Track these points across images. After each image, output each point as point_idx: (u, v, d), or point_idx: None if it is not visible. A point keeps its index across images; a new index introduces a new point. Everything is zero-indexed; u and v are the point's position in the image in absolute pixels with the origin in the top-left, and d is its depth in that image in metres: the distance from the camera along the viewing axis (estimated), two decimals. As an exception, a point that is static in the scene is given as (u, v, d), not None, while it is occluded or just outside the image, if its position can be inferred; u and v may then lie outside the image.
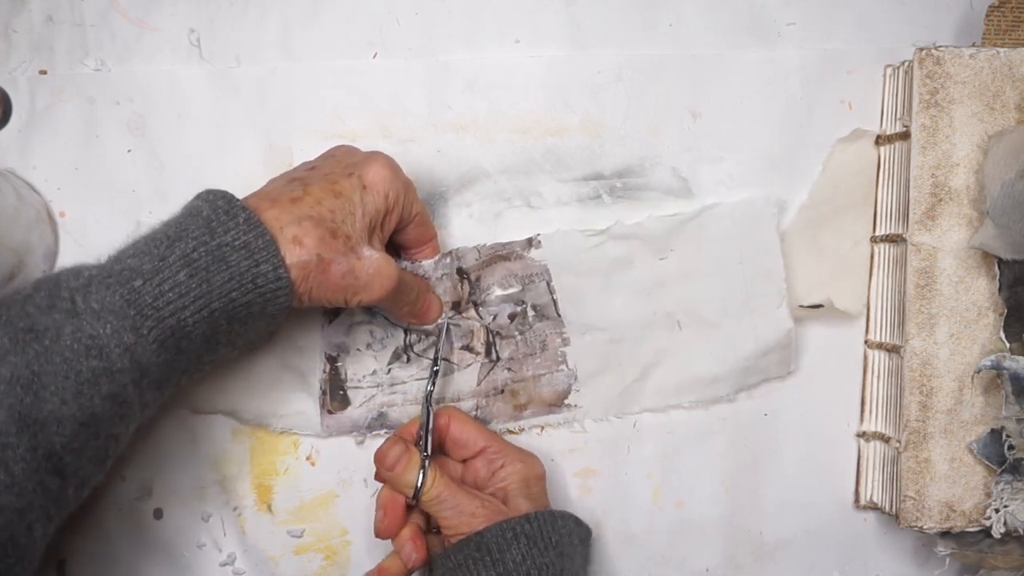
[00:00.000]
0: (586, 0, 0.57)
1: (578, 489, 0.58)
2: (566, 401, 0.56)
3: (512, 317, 0.55)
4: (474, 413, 0.56)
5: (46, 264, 0.56)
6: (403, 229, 0.52)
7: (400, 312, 0.53)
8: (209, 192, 0.46)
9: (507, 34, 0.57)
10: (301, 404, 0.55)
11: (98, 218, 0.56)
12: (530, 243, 0.55)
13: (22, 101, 0.56)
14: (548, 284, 0.55)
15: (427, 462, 0.51)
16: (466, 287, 0.54)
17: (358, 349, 0.55)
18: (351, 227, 0.47)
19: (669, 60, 0.57)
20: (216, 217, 0.45)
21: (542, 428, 0.58)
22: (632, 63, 0.57)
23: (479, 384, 0.56)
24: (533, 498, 0.52)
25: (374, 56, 0.57)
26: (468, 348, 0.56)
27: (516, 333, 0.56)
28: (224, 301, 0.44)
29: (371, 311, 0.55)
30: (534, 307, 0.56)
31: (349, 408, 0.55)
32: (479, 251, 0.55)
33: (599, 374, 0.56)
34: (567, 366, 0.56)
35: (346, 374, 0.55)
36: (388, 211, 0.49)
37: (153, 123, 0.56)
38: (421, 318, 0.54)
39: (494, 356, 0.56)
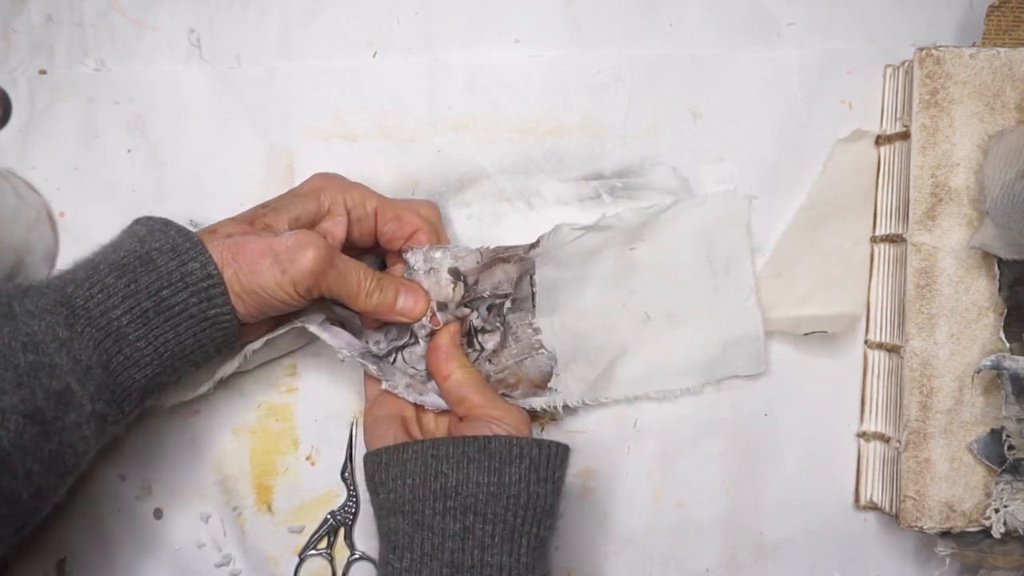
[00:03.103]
0: (586, 0, 0.57)
1: (578, 489, 0.57)
2: (549, 384, 0.56)
3: (490, 309, 0.54)
4: None
5: (46, 264, 0.56)
6: (375, 229, 0.52)
7: (360, 304, 0.50)
8: (147, 217, 0.48)
9: (507, 34, 0.57)
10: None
11: (98, 218, 0.56)
12: (532, 246, 0.55)
13: (22, 101, 0.56)
14: (531, 278, 0.55)
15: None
16: (460, 290, 0.53)
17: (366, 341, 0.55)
18: (272, 219, 0.49)
19: (669, 60, 0.57)
20: (148, 233, 0.46)
21: (542, 427, 0.57)
22: (632, 63, 0.57)
23: None
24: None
25: (374, 56, 0.57)
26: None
27: (496, 324, 0.55)
28: (155, 300, 0.45)
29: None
30: (513, 300, 0.55)
31: (348, 332, 0.53)
32: (481, 254, 0.54)
33: (573, 361, 0.56)
34: (546, 350, 0.55)
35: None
36: (322, 211, 0.50)
37: (153, 123, 0.56)
38: (402, 312, 0.52)
39: (478, 347, 0.55)
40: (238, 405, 0.57)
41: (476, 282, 0.54)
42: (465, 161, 0.57)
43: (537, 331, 0.55)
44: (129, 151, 0.56)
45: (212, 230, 0.48)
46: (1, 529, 0.42)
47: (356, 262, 0.50)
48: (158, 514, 0.56)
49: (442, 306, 0.53)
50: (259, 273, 0.46)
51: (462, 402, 0.51)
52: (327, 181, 0.51)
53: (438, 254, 0.53)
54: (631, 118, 0.57)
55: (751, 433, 0.58)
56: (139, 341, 0.45)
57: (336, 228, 0.51)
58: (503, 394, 0.55)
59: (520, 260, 0.54)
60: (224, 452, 0.57)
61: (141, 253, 0.45)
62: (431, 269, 0.53)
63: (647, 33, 0.57)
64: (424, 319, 0.52)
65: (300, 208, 0.50)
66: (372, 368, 0.52)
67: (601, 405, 0.57)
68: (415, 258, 0.53)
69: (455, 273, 0.53)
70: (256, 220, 0.49)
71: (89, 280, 0.45)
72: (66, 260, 0.56)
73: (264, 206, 0.50)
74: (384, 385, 0.52)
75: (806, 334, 0.57)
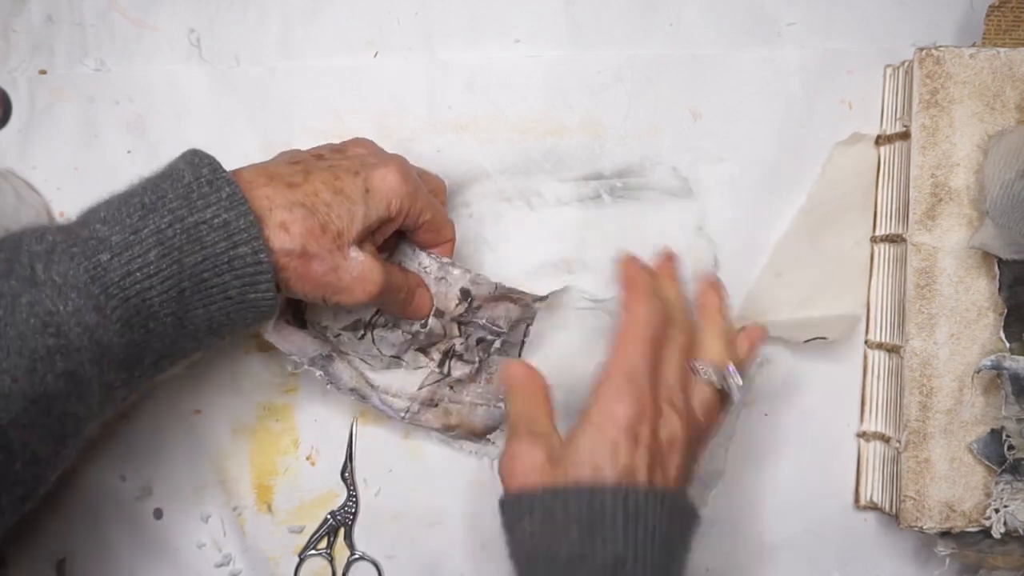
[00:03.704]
0: (586, 0, 0.57)
1: (578, 489, 0.57)
2: (489, 436, 0.56)
3: (479, 342, 0.54)
4: (403, 414, 0.54)
5: (46, 264, 0.56)
6: (412, 232, 0.50)
7: (386, 309, 0.51)
8: (195, 155, 0.43)
9: (507, 34, 0.57)
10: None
11: (98, 218, 0.56)
12: (542, 299, 0.54)
13: (22, 101, 0.56)
14: (527, 327, 0.55)
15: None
16: (461, 308, 0.53)
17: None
18: (345, 225, 0.45)
19: (669, 60, 0.57)
20: (198, 188, 0.42)
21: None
22: (632, 63, 0.57)
23: (419, 389, 0.54)
24: (601, 460, 0.42)
25: (374, 56, 0.57)
26: (424, 351, 0.54)
27: (476, 358, 0.54)
28: (195, 280, 0.41)
29: None
30: (503, 342, 0.55)
31: (305, 332, 0.52)
32: (496, 287, 0.53)
33: None
34: (502, 404, 0.55)
35: (305, 307, 0.53)
36: (390, 219, 0.47)
37: (153, 123, 0.56)
38: (409, 315, 0.52)
39: (446, 371, 0.54)
40: (238, 405, 0.57)
41: (479, 307, 0.53)
42: (465, 161, 0.57)
43: None
44: (129, 151, 0.56)
45: (286, 183, 0.44)
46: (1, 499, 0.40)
47: (402, 278, 0.49)
48: (158, 514, 0.56)
49: (439, 313, 0.52)
50: (312, 286, 0.45)
51: None
52: (404, 183, 0.47)
53: (457, 272, 0.52)
54: (631, 118, 0.57)
55: (751, 433, 0.58)
56: (168, 317, 0.42)
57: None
58: (436, 431, 0.55)
59: (526, 306, 0.54)
60: (224, 452, 0.57)
61: (189, 225, 0.41)
62: (443, 279, 0.52)
63: (647, 33, 0.57)
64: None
65: (372, 215, 0.46)
66: (319, 374, 0.52)
67: None
68: (431, 263, 0.52)
69: (465, 294, 0.53)
70: (328, 227, 0.44)
71: (129, 252, 0.40)
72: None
73: (336, 191, 0.45)
74: (327, 387, 0.52)
75: (806, 341, 0.57)
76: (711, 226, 0.58)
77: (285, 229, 0.43)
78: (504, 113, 0.57)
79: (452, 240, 0.52)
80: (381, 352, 0.54)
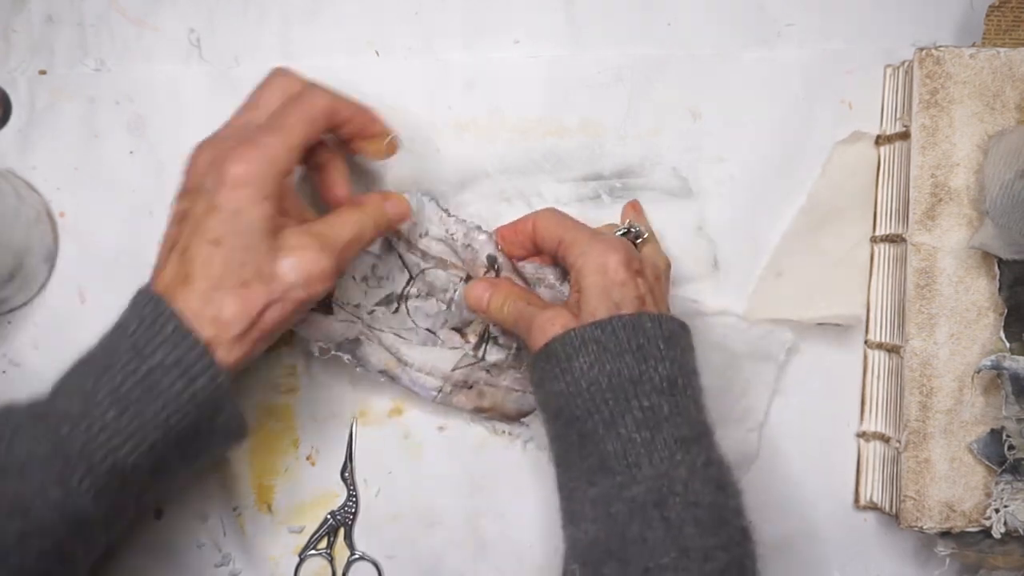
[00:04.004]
0: (586, 0, 0.57)
1: (578, 489, 0.57)
2: (523, 420, 0.56)
3: None
4: (435, 394, 0.54)
5: (46, 264, 0.56)
6: (334, 132, 0.48)
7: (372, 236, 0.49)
8: (139, 295, 0.43)
9: (507, 34, 0.57)
10: None
11: (98, 218, 0.56)
12: (566, 279, 0.53)
13: (22, 101, 0.56)
14: None
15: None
16: (489, 276, 0.53)
17: (352, 277, 0.53)
18: (251, 256, 0.42)
19: (669, 60, 0.57)
20: (144, 333, 0.41)
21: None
22: (632, 63, 0.57)
23: (453, 370, 0.54)
24: (615, 301, 0.47)
25: (374, 56, 0.57)
26: (460, 331, 0.54)
27: (512, 344, 0.55)
28: (163, 429, 0.41)
29: (389, 245, 0.53)
30: None
31: (331, 317, 0.53)
32: (516, 266, 0.53)
33: None
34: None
35: (334, 291, 0.53)
36: (280, 173, 0.44)
37: (153, 123, 0.56)
38: (396, 221, 0.50)
39: (480, 355, 0.55)
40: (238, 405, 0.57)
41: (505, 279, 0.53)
42: (465, 161, 0.57)
43: None
44: (130, 152, 0.56)
45: (183, 276, 0.42)
46: None
47: (345, 220, 0.47)
48: (158, 514, 0.56)
49: (469, 279, 0.53)
50: (288, 325, 0.45)
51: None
52: (250, 155, 0.44)
53: (483, 237, 0.53)
54: (631, 118, 0.57)
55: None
56: (143, 471, 0.41)
57: (334, 183, 0.49)
58: (468, 412, 0.55)
59: (550, 286, 0.53)
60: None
61: (142, 375, 0.40)
62: (469, 246, 0.53)
63: (647, 33, 0.57)
64: (455, 279, 0.53)
65: (249, 215, 0.43)
66: (347, 358, 0.52)
67: None
68: (458, 229, 0.53)
69: (492, 260, 0.53)
70: (246, 278, 0.42)
71: (87, 418, 0.39)
72: (66, 260, 0.56)
73: (216, 242, 0.42)
74: (358, 370, 0.52)
75: (819, 324, 0.57)
76: (711, 226, 0.58)
77: (223, 325, 0.42)
78: (504, 113, 0.57)
79: (382, 133, 0.50)
80: (416, 324, 0.54)
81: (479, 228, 0.53)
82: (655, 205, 0.57)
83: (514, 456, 0.57)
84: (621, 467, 0.44)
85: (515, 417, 0.56)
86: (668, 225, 0.57)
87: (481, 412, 0.55)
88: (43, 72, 0.56)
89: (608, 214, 0.57)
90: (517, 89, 0.57)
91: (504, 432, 0.57)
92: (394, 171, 0.56)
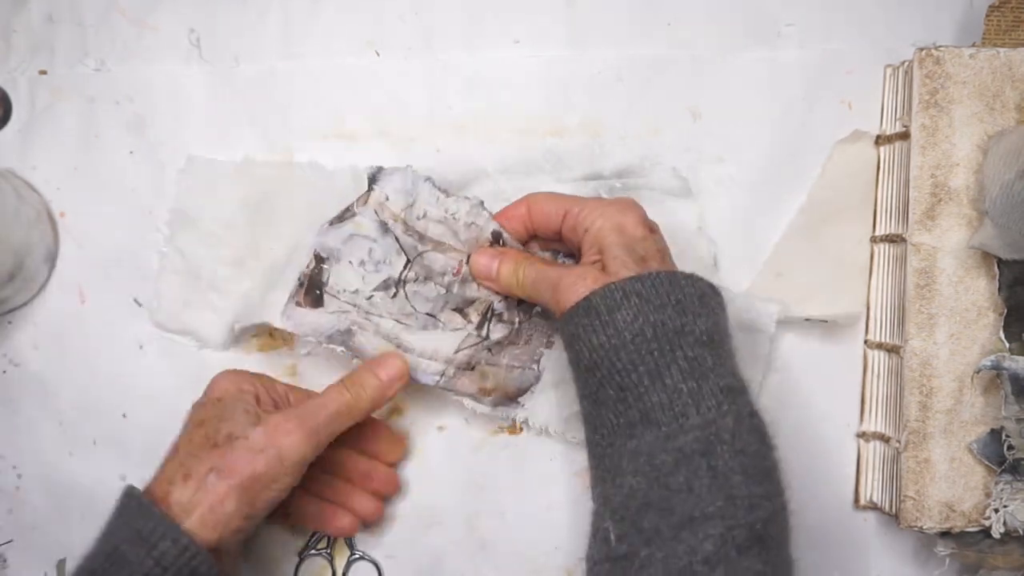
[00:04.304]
0: (586, 0, 0.57)
1: (579, 489, 0.57)
2: (520, 398, 0.55)
3: (521, 301, 0.54)
4: (437, 378, 0.53)
5: (46, 264, 0.56)
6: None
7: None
8: (127, 495, 0.45)
9: (507, 34, 0.57)
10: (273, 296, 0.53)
11: (98, 218, 0.56)
12: (571, 256, 0.54)
13: (22, 101, 0.56)
14: None
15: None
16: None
17: (349, 262, 0.52)
18: (232, 427, 0.46)
19: (669, 60, 0.57)
20: (120, 517, 0.44)
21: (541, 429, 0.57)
22: (632, 63, 0.57)
23: (455, 352, 0.53)
24: (640, 255, 0.47)
25: (375, 55, 0.57)
26: (461, 312, 0.54)
27: (516, 319, 0.54)
28: None
29: (386, 228, 0.52)
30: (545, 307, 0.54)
31: (320, 310, 0.52)
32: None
33: (555, 388, 0.55)
34: (537, 366, 0.55)
35: (328, 279, 0.52)
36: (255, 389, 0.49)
37: (153, 123, 0.56)
38: (385, 396, 0.51)
39: (484, 334, 0.54)
40: (238, 405, 0.57)
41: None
42: (465, 161, 0.57)
43: (550, 344, 0.55)
44: (130, 152, 0.56)
45: (187, 474, 0.45)
46: None
47: (321, 401, 0.49)
48: (158, 514, 0.56)
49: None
50: (276, 492, 0.46)
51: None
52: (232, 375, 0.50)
53: (487, 213, 0.52)
54: (631, 118, 0.57)
55: (751, 433, 0.58)
56: None
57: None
58: (470, 396, 0.54)
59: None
60: (224, 452, 0.57)
61: (109, 551, 0.43)
62: (473, 223, 0.52)
63: (647, 33, 0.57)
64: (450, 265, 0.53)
65: (232, 407, 0.48)
66: (340, 350, 0.52)
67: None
68: (459, 207, 0.52)
69: (497, 236, 0.52)
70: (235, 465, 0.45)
71: None
72: (66, 260, 0.56)
73: (216, 446, 0.46)
74: (355, 361, 0.52)
75: (807, 319, 0.57)
76: (711, 226, 0.58)
77: (219, 511, 0.44)
78: (504, 113, 0.57)
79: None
80: (416, 309, 0.53)
81: (482, 204, 0.53)
82: (655, 205, 0.57)
83: (514, 456, 0.57)
84: (668, 418, 0.43)
85: (515, 396, 0.55)
86: (668, 225, 0.57)
87: (484, 394, 0.54)
88: (43, 72, 0.56)
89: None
90: (517, 89, 0.57)
91: (497, 417, 0.56)
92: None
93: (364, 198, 0.52)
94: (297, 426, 0.46)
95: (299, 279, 0.52)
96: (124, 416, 0.57)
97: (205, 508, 0.44)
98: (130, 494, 0.45)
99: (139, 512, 0.44)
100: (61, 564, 0.56)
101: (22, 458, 0.57)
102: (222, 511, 0.44)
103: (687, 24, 0.58)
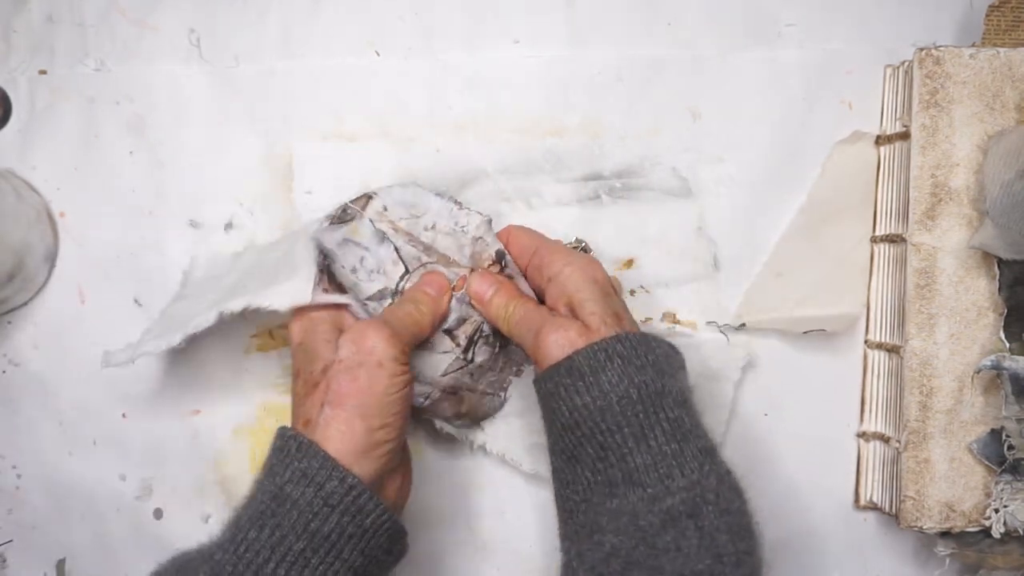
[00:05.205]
0: (586, 0, 0.57)
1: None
2: (482, 422, 0.55)
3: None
4: (422, 400, 0.53)
5: (46, 264, 0.56)
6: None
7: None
8: (283, 435, 0.45)
9: (507, 34, 0.57)
10: (291, 285, 0.52)
11: (98, 218, 0.56)
12: None
13: (22, 101, 0.56)
14: None
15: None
16: (494, 269, 0.52)
17: (342, 267, 0.52)
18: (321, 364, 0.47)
19: (669, 60, 0.57)
20: (281, 462, 0.44)
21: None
22: (632, 63, 0.57)
23: (441, 376, 0.53)
24: (614, 312, 0.48)
25: (375, 55, 0.57)
26: (450, 334, 0.53)
27: (498, 344, 0.54)
28: (306, 538, 0.43)
29: (383, 236, 0.52)
30: None
31: (346, 295, 0.51)
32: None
33: (520, 417, 0.55)
34: (504, 394, 0.55)
35: (336, 272, 0.52)
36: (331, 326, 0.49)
37: (153, 123, 0.56)
38: (439, 317, 0.52)
39: (469, 357, 0.54)
40: (238, 405, 0.57)
41: (511, 277, 0.53)
42: (465, 161, 0.57)
43: (519, 373, 0.55)
44: (130, 152, 0.56)
45: (307, 419, 0.46)
46: None
47: (402, 314, 0.50)
48: (158, 514, 0.56)
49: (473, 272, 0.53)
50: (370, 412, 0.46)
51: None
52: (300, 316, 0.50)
53: (490, 238, 0.53)
54: (631, 118, 0.57)
55: (751, 433, 0.58)
56: None
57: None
58: (444, 418, 0.54)
59: None
60: (224, 452, 0.57)
61: (275, 492, 0.43)
62: (480, 239, 0.53)
63: (647, 33, 0.57)
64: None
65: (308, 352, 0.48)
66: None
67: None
68: (469, 221, 0.53)
69: (500, 255, 0.53)
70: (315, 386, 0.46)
71: (234, 540, 0.42)
72: (66, 260, 0.56)
73: (311, 388, 0.47)
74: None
75: (805, 332, 0.57)
76: (711, 226, 0.58)
77: (360, 452, 0.45)
78: (504, 113, 0.57)
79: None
80: None
81: (490, 222, 0.53)
82: (655, 205, 0.57)
83: (514, 456, 0.57)
84: (653, 479, 0.43)
85: (481, 419, 0.55)
86: (668, 225, 0.57)
87: (458, 418, 0.55)
88: (43, 72, 0.56)
89: (608, 214, 0.57)
90: (517, 89, 0.57)
91: (460, 438, 0.56)
92: (396, 173, 0.57)
93: (362, 203, 0.52)
94: (377, 330, 0.46)
95: (317, 266, 0.51)
96: (124, 416, 0.57)
97: (336, 441, 0.44)
98: (286, 435, 0.45)
99: (300, 452, 0.44)
100: (61, 564, 0.56)
101: (22, 458, 0.57)
102: (352, 436, 0.44)
103: (687, 24, 0.58)
